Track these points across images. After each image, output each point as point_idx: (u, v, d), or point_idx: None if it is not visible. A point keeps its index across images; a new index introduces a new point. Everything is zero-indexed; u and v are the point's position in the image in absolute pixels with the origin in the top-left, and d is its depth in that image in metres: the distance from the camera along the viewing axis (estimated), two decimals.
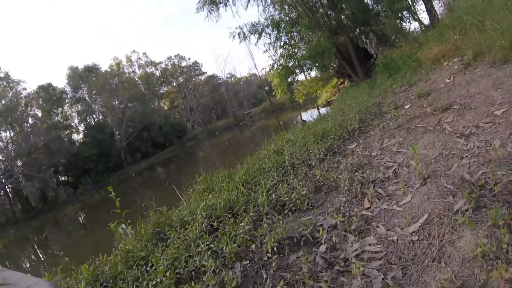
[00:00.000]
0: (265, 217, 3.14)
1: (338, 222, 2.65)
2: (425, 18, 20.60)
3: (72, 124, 52.45)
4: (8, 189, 36.70)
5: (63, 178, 44.44)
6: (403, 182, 3.02)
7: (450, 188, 2.66)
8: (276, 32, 18.78)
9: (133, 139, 47.71)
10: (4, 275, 0.58)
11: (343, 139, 5.22)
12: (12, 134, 39.20)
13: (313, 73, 21.67)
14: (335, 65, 20.18)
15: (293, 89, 21.36)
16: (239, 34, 19.33)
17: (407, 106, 6.10)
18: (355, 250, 2.42)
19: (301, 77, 21.31)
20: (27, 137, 38.07)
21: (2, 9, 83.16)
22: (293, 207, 3.25)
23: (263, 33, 19.05)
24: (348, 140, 5.21)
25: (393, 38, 17.13)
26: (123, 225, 4.42)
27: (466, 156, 3.07)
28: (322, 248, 2.49)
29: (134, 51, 64.93)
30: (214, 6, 17.87)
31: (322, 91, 24.32)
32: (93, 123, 51.00)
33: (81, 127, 52.12)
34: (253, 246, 2.58)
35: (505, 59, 5.46)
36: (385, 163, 3.63)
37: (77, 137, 51.19)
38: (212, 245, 2.90)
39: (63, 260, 15.22)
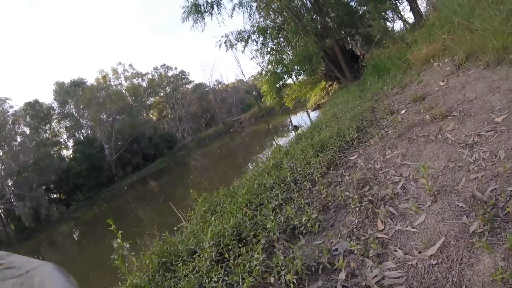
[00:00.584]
0: (277, 243, 3.07)
1: (355, 250, 2.59)
2: (410, 17, 20.90)
3: (61, 140, 52.09)
4: (0, 210, 36.18)
5: (55, 196, 43.96)
6: (413, 200, 2.97)
7: (462, 206, 2.63)
8: (262, 38, 18.84)
9: (123, 152, 47.34)
10: (9, 259, 0.58)
11: (342, 150, 5.18)
12: (0, 153, 38.64)
13: (301, 77, 21.73)
14: (322, 68, 20.29)
15: (282, 94, 21.40)
16: (225, 42, 19.34)
17: (403, 112, 6.10)
18: (375, 276, 2.36)
19: (289, 81, 21.30)
20: (16, 155, 37.70)
21: None
22: (304, 230, 3.18)
23: (250, 40, 19.11)
24: (347, 151, 5.16)
25: (378, 37, 17.23)
26: (126, 246, 4.28)
27: (473, 169, 3.03)
28: (342, 275, 2.43)
29: (120, 63, 64.79)
30: (199, 15, 17.78)
31: (311, 95, 24.41)
32: (82, 138, 50.58)
33: (70, 143, 51.79)
34: (272, 278, 2.51)
35: (498, 61, 5.43)
36: (391, 177, 3.58)
37: (67, 153, 50.86)
38: (226, 278, 2.82)
39: None
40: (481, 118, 3.94)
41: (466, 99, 4.79)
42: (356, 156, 4.76)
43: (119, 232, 4.05)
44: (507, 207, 2.33)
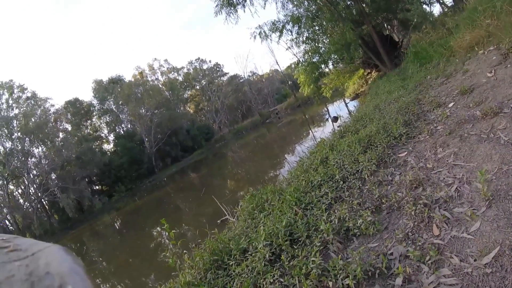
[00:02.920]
0: (331, 245, 3.12)
1: (412, 255, 2.60)
2: (449, 1, 20.01)
3: (102, 135, 54.12)
4: (44, 202, 38.16)
5: (97, 187, 45.92)
6: (468, 204, 2.93)
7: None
8: (297, 28, 18.60)
9: (163, 145, 48.58)
10: (15, 241, 0.58)
11: (391, 146, 5.10)
12: (44, 149, 40.63)
13: (339, 66, 21.33)
14: (360, 56, 19.81)
15: (320, 84, 21.13)
16: (259, 33, 19.20)
17: (451, 105, 5.91)
18: (431, 282, 2.37)
19: (326, 70, 20.94)
20: (59, 151, 39.49)
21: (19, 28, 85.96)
22: (358, 232, 3.20)
23: (284, 30, 18.90)
24: (396, 147, 5.06)
25: (416, 21, 16.58)
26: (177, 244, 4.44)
27: None
28: (398, 281, 2.46)
29: (155, 58, 66.12)
30: (232, 8, 17.76)
31: (349, 83, 23.96)
32: (122, 132, 52.26)
33: (111, 137, 53.63)
34: (330, 283, 2.57)
35: None
36: (444, 178, 3.50)
37: (108, 147, 52.80)
38: (281, 280, 2.90)
39: (101, 265, 15.80)
40: None
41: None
42: (405, 153, 4.68)
43: (172, 231, 4.20)
44: None
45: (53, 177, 39.46)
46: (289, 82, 56.83)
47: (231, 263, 3.62)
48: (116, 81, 52.67)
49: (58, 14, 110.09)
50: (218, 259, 3.86)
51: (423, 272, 2.48)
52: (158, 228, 16.32)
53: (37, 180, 38.07)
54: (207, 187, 19.85)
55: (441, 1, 19.78)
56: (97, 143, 50.92)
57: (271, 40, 19.74)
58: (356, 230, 3.21)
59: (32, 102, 41.30)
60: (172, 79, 59.84)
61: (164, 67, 59.99)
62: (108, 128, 54.21)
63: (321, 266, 2.81)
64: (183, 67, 62.06)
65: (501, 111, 4.30)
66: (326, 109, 29.33)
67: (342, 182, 4.44)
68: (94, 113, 53.18)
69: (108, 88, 51.43)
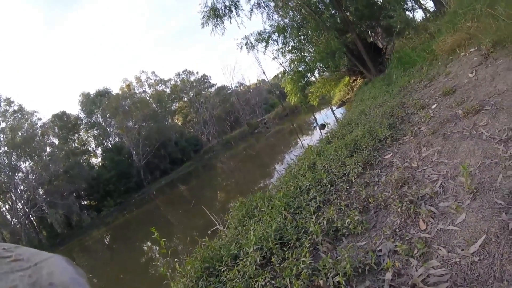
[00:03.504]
0: (321, 245, 3.15)
1: (400, 249, 2.65)
2: (431, 6, 20.42)
3: (89, 148, 53.61)
4: (32, 218, 37.53)
5: (85, 202, 45.34)
6: (453, 198, 3.01)
7: (501, 203, 2.65)
8: (283, 37, 18.83)
9: (151, 157, 48.26)
10: (17, 251, 0.59)
11: (376, 149, 5.18)
12: (31, 164, 40.13)
13: (325, 74, 21.56)
14: (345, 64, 20.08)
15: (306, 93, 21.30)
16: (246, 44, 19.36)
17: (434, 106, 6.03)
18: (421, 274, 2.42)
19: (313, 79, 21.14)
20: (47, 165, 39.08)
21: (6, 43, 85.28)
22: (346, 232, 3.24)
23: (270, 40, 19.10)
24: (381, 149, 5.15)
25: (399, 27, 16.88)
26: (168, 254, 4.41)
27: (509, 165, 3.03)
28: (388, 275, 2.50)
29: (142, 71, 66.00)
30: (219, 19, 17.90)
31: (335, 91, 24.20)
32: (110, 146, 51.89)
33: (99, 151, 53.21)
34: (321, 281, 2.59)
35: None
36: (429, 175, 3.59)
37: (96, 161, 52.33)
38: (273, 282, 2.91)
39: (92, 282, 15.53)
40: None
41: (497, 92, 4.70)
42: (391, 154, 4.76)
43: (163, 239, 4.18)
44: None
45: (41, 192, 38.95)
46: (276, 92, 57.25)
47: (222, 270, 3.62)
48: (103, 94, 52.46)
49: (45, 27, 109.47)
50: (210, 266, 3.86)
51: (412, 265, 2.53)
52: (149, 243, 16.18)
53: (25, 196, 37.51)
54: (197, 199, 19.74)
55: (423, 6, 20.18)
56: (84, 157, 50.44)
57: (257, 50, 19.92)
58: (344, 230, 3.26)
59: (19, 115, 40.95)
60: (160, 91, 59.76)
61: (151, 79, 60.01)
62: (96, 142, 53.79)
63: (312, 266, 2.84)
64: (170, 79, 62.20)
65: (483, 109, 4.44)
66: (313, 117, 29.55)
67: (330, 186, 4.50)
68: (81, 127, 52.80)
69: (96, 101, 51.16)
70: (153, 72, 62.62)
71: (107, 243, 26.14)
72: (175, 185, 37.06)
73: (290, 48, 18.95)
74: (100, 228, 32.87)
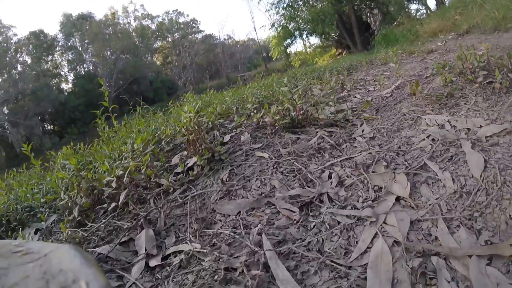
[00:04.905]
0: None
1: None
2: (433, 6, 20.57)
3: (61, 73, 51.37)
4: None
5: (49, 127, 44.09)
6: (383, 84, 4.34)
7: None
8: None
9: (123, 92, 46.90)
10: (27, 245, 0.65)
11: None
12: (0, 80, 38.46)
13: (313, 40, 21.52)
14: (335, 35, 20.02)
15: (289, 52, 21.25)
16: None
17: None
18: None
19: (299, 44, 21.17)
20: (15, 83, 37.46)
21: None
22: None
23: None
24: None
25: (398, 19, 17.01)
26: None
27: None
28: None
29: (131, 1, 62.58)
30: None
31: (319, 59, 24.14)
32: (83, 73, 50.02)
33: (71, 77, 51.12)
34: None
35: (496, 28, 6.59)
36: (369, 80, 5.03)
37: (66, 86, 50.34)
38: None
39: None
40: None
41: (455, 47, 6.17)
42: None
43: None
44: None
45: (5, 112, 37.46)
46: (264, 54, 56.40)
47: None
48: (86, 18, 49.91)
49: None
50: None
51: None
52: None
53: None
54: None
55: (425, 4, 20.33)
56: (55, 81, 48.49)
57: None
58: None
59: None
60: (145, 26, 57.47)
61: (138, 12, 57.38)
62: (69, 67, 51.59)
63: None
64: (158, 16, 59.64)
65: (436, 51, 6.23)
66: None
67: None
68: (57, 49, 50.28)
69: (77, 24, 48.70)
70: (142, 5, 60.33)
71: None
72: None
73: (285, 5, 18.68)
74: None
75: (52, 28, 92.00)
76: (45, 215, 2.69)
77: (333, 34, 20.20)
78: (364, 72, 5.99)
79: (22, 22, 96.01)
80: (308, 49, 22.12)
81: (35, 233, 2.55)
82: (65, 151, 3.70)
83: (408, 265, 1.35)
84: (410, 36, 11.15)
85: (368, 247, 1.50)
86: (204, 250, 1.68)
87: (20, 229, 2.63)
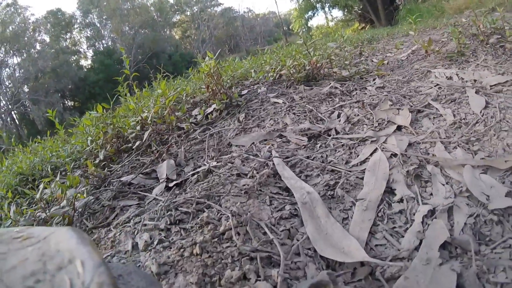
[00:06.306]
0: None
1: None
2: None
3: (80, 50, 51.57)
4: (14, 115, 37.21)
5: (69, 104, 44.66)
6: (400, 49, 4.68)
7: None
8: None
9: (142, 67, 47.26)
10: (28, 231, 0.66)
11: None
12: (19, 60, 38.92)
13: (335, 13, 21.07)
14: (358, 9, 19.51)
15: (311, 26, 20.88)
16: None
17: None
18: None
19: (321, 17, 20.75)
20: (35, 61, 37.87)
21: None
22: None
23: None
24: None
25: None
26: None
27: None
28: None
29: None
30: None
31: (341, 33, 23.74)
32: (102, 49, 50.25)
33: (90, 53, 51.33)
34: None
35: None
36: (389, 49, 5.14)
37: (85, 63, 50.59)
38: None
39: None
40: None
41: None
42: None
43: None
44: None
45: (26, 90, 38.12)
46: (284, 28, 55.61)
47: None
48: None
49: None
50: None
51: None
52: None
53: (9, 93, 36.72)
54: None
55: None
56: (74, 58, 48.77)
57: None
58: None
59: (12, 9, 38.97)
60: (163, 0, 57.20)
61: None
62: (88, 43, 51.73)
63: None
64: None
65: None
66: None
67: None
68: (75, 26, 50.42)
69: (94, 1, 48.73)
70: None
71: None
72: None
73: None
74: None
75: (70, 6, 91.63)
76: (70, 171, 2.76)
77: (356, 7, 19.63)
78: (385, 42, 6.17)
79: (40, 2, 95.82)
80: (330, 23, 21.58)
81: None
82: (89, 116, 3.76)
83: (404, 169, 1.49)
84: (435, 12, 10.93)
85: (367, 158, 1.67)
86: (220, 163, 1.87)
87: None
